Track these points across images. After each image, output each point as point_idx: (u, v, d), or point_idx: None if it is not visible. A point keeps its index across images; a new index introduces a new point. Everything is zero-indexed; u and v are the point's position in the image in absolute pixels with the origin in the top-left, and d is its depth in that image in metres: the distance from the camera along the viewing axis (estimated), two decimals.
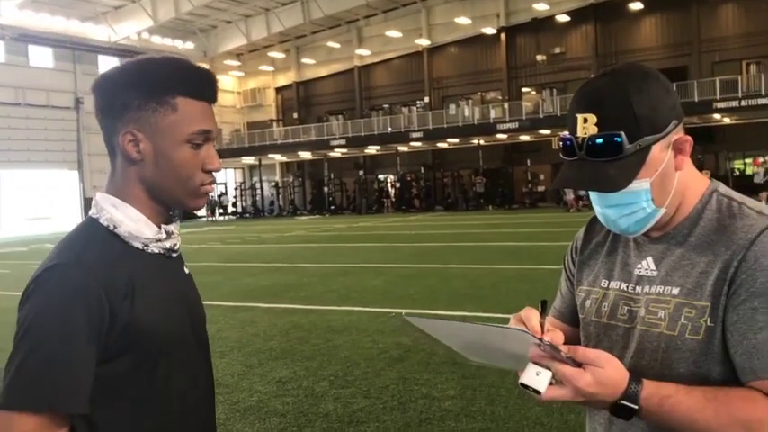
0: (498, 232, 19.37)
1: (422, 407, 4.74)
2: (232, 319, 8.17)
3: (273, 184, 43.72)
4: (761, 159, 31.53)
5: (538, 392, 1.10)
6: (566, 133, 1.22)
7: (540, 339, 1.11)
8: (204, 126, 1.26)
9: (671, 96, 1.21)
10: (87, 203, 35.27)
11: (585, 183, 1.21)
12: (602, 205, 1.25)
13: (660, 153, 1.19)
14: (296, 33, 42.53)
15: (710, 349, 1.17)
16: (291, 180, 44.08)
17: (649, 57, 34.93)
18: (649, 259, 1.28)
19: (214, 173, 1.30)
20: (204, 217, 42.06)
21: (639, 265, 1.29)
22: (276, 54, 44.29)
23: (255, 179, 44.37)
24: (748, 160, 32.90)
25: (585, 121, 1.18)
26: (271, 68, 45.76)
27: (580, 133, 1.19)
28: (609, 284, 1.33)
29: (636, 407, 1.10)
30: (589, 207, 1.43)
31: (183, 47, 41.13)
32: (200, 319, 1.39)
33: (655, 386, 1.11)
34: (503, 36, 38.12)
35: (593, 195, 1.25)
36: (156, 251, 1.28)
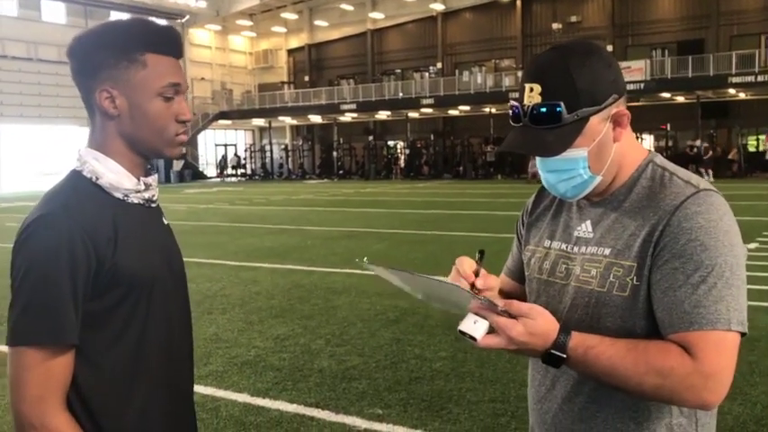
0: (506, 202, 19.40)
1: (413, 366, 4.89)
2: (236, 278, 8.33)
3: (283, 146, 43.70)
4: None
5: (474, 339, 1.21)
6: (515, 101, 1.31)
7: (478, 294, 1.21)
8: (173, 79, 1.37)
9: (612, 71, 1.29)
10: None
11: (525, 147, 1.31)
12: (544, 170, 1.35)
13: (598, 124, 1.28)
14: None
15: (636, 305, 1.27)
16: (301, 143, 44.03)
17: (666, 28, 34.43)
18: (588, 222, 1.38)
19: (186, 123, 1.41)
20: (215, 177, 42.26)
21: (579, 228, 1.40)
22: (289, 15, 43.89)
23: (265, 141, 44.37)
24: (762, 137, 32.57)
25: (531, 90, 1.27)
26: (283, 30, 45.40)
27: (526, 101, 1.28)
28: (551, 245, 1.44)
29: (564, 356, 1.20)
30: None
31: (195, 5, 40.79)
32: (178, 264, 1.51)
33: (582, 337, 1.21)
34: (519, 3, 37.60)
35: (537, 161, 1.35)
36: (136, 201, 1.40)
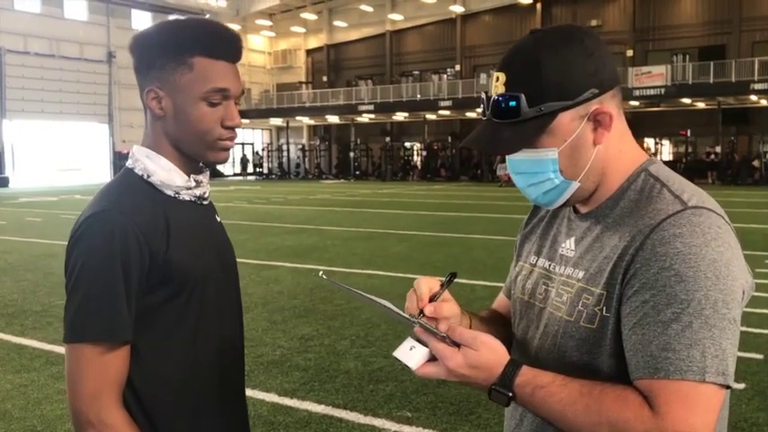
0: (523, 205, 19.28)
1: None
2: (257, 277, 8.36)
3: (300, 146, 43.85)
4: None
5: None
6: (484, 92, 1.18)
7: (411, 315, 1.11)
8: (220, 84, 1.33)
9: (592, 62, 1.10)
10: (116, 156, 35.77)
11: (479, 142, 1.16)
12: (512, 171, 1.19)
13: (570, 122, 1.11)
14: None
15: (603, 340, 1.10)
16: (318, 143, 44.16)
17: (688, 34, 34.16)
18: (572, 239, 1.22)
19: (235, 128, 1.38)
20: (232, 175, 42.46)
21: (564, 244, 1.24)
22: (308, 15, 44.03)
23: (283, 141, 44.53)
24: None
25: (497, 79, 1.14)
26: (302, 30, 45.55)
27: (492, 92, 1.14)
28: (536, 261, 1.30)
29: (509, 393, 1.06)
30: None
31: (215, 4, 41.03)
32: (230, 260, 1.52)
33: (532, 374, 1.06)
34: (539, 6, 37.47)
35: (507, 161, 1.20)
36: (187, 198, 1.40)
